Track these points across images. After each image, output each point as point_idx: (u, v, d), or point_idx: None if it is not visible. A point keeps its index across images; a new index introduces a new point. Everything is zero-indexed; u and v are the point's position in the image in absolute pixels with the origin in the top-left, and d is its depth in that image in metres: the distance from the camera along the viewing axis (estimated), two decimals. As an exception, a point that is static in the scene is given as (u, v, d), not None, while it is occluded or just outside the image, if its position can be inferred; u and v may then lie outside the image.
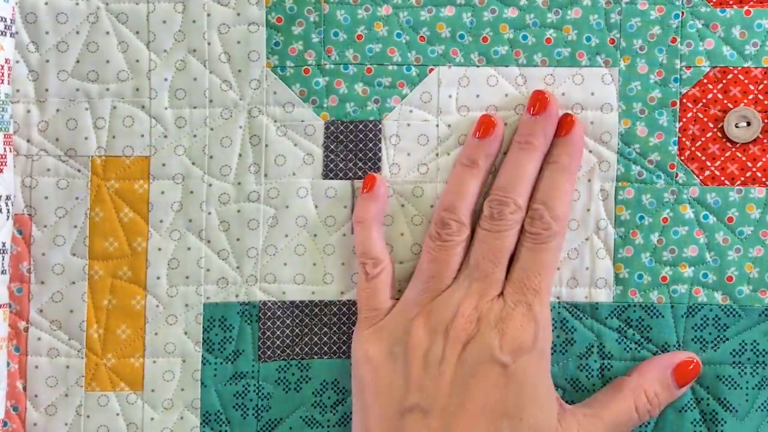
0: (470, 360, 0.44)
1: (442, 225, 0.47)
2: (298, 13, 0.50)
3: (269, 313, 0.50)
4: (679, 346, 0.50)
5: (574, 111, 0.50)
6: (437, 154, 0.50)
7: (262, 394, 0.50)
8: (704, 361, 0.49)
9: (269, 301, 0.50)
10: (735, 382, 0.49)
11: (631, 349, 0.50)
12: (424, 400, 0.44)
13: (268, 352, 0.50)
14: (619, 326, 0.50)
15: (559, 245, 0.47)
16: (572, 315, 0.50)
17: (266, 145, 0.50)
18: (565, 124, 0.48)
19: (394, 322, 0.47)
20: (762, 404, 0.49)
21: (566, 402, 0.48)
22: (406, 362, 0.45)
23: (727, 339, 0.49)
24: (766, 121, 0.49)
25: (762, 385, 0.50)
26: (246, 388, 0.50)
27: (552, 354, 0.48)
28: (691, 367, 0.48)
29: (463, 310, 0.45)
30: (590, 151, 0.50)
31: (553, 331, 0.50)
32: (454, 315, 0.45)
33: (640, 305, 0.50)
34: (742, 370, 0.49)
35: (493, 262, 0.46)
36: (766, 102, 0.49)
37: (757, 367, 0.49)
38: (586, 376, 0.50)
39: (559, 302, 0.50)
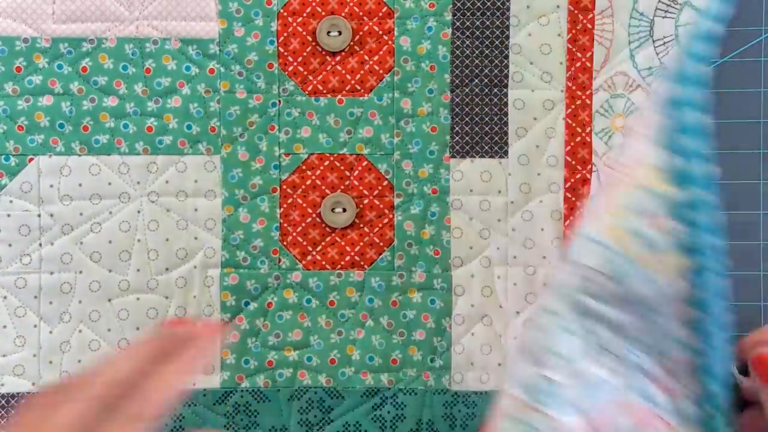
0: None
1: None
2: None
3: None
4: (286, 429, 0.50)
5: (178, 199, 0.50)
6: (40, 245, 0.50)
7: None
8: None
9: None
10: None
11: (240, 434, 0.50)
12: None
13: None
14: (227, 411, 0.50)
15: None
16: (180, 402, 0.50)
17: None
18: None
19: None
20: None
21: None
22: None
23: (332, 421, 0.50)
24: (360, 206, 0.50)
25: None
26: None
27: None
28: None
29: None
30: (196, 238, 0.50)
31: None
32: None
33: (248, 390, 0.50)
34: None
35: None
36: (360, 187, 0.50)
37: None
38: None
39: (167, 390, 0.50)
